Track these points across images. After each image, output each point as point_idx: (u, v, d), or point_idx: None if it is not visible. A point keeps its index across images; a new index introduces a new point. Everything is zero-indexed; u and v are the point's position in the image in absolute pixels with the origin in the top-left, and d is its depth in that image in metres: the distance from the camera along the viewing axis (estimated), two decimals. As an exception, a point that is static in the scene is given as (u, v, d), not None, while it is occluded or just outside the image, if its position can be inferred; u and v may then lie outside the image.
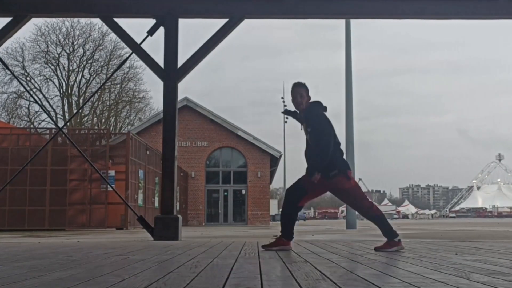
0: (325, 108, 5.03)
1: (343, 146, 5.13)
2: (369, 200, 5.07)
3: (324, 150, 4.78)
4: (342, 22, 19.69)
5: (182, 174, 27.61)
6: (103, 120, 39.84)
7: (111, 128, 37.55)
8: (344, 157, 5.06)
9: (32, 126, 34.70)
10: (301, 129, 5.13)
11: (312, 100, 5.06)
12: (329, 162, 4.83)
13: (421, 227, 18.27)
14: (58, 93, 38.16)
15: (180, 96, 9.21)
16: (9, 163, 16.26)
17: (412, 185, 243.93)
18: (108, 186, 14.64)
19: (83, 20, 36.81)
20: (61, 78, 38.19)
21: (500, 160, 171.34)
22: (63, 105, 38.12)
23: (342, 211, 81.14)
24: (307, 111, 5.01)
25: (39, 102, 35.57)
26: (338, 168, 4.85)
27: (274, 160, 32.18)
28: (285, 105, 51.30)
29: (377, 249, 4.76)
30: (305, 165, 4.98)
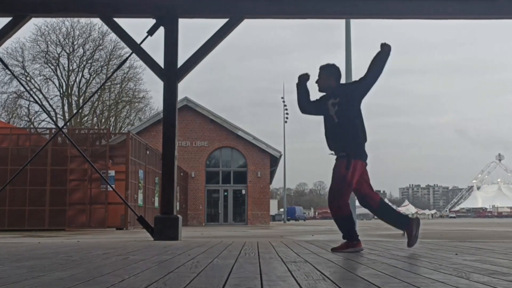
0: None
1: None
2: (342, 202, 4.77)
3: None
4: (342, 22, 19.66)
5: (182, 174, 27.61)
6: (103, 120, 39.86)
7: (111, 128, 37.56)
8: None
9: (32, 126, 34.73)
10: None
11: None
12: (343, 144, 4.77)
13: (421, 227, 18.25)
14: (58, 93, 38.21)
15: (180, 96, 9.21)
16: (9, 163, 16.25)
17: (412, 185, 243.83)
18: (108, 186, 14.63)
19: (83, 20, 36.84)
20: (61, 78, 38.23)
21: (500, 160, 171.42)
22: (63, 105, 38.14)
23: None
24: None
25: (39, 102, 35.59)
26: (348, 153, 4.75)
27: (274, 160, 32.18)
28: (285, 105, 51.26)
29: (334, 250, 4.67)
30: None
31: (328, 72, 5.03)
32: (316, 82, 5.06)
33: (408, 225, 4.81)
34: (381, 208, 4.84)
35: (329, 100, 4.94)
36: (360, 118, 4.89)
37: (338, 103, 4.87)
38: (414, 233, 4.77)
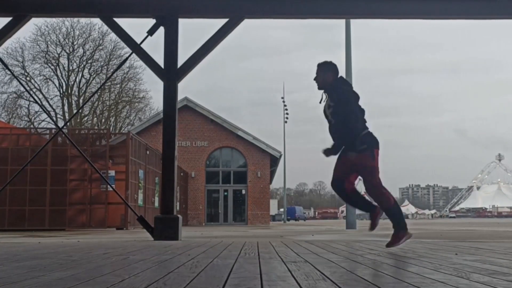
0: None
1: None
2: (385, 189, 4.92)
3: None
4: (342, 22, 19.68)
5: (182, 174, 27.61)
6: (103, 120, 39.86)
7: (111, 128, 37.57)
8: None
9: (32, 126, 34.73)
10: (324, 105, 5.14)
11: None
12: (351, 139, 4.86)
13: (421, 227, 18.26)
14: (58, 93, 38.21)
15: (180, 96, 9.21)
16: (9, 163, 16.25)
17: (412, 185, 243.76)
18: (108, 186, 14.64)
19: (83, 20, 36.84)
20: (61, 78, 38.23)
21: (500, 160, 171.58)
22: (63, 105, 38.14)
23: (342, 211, 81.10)
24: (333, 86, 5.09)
25: (39, 102, 35.57)
26: (368, 144, 4.87)
27: (274, 160, 32.19)
28: (285, 105, 51.29)
29: (388, 245, 4.86)
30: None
31: (325, 69, 5.12)
32: (314, 79, 5.15)
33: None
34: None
35: (326, 102, 5.10)
36: (355, 110, 4.96)
37: (333, 106, 5.00)
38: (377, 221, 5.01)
